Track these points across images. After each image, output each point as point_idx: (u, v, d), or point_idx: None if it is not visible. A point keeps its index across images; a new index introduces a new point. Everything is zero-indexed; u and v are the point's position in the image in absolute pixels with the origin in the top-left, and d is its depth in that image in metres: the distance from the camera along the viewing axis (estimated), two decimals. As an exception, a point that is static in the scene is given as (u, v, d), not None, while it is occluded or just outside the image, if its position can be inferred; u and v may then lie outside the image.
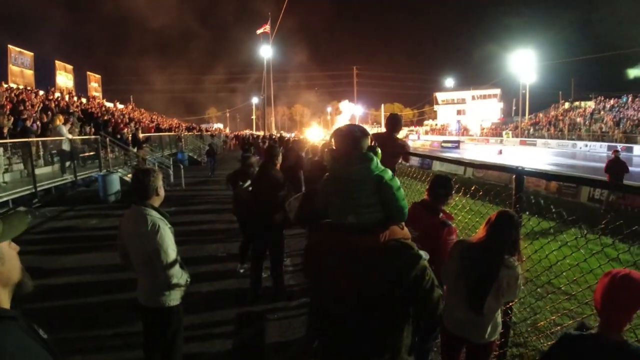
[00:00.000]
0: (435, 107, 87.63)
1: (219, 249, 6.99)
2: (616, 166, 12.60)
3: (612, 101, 54.93)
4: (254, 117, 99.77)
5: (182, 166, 16.53)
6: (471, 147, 51.01)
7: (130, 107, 42.98)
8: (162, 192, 2.97)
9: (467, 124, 75.20)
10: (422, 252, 1.81)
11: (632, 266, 2.17)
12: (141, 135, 20.03)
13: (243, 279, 5.58)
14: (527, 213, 3.30)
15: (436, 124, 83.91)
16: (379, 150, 1.93)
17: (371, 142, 1.96)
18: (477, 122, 73.62)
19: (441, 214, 3.19)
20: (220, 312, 4.74)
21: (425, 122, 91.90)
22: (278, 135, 30.79)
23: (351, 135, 1.87)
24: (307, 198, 4.18)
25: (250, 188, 5.44)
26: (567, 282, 3.61)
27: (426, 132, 77.53)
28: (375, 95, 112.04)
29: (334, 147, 1.92)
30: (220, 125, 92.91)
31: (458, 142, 52.24)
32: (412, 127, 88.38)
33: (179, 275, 2.87)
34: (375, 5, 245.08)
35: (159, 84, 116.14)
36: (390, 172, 1.84)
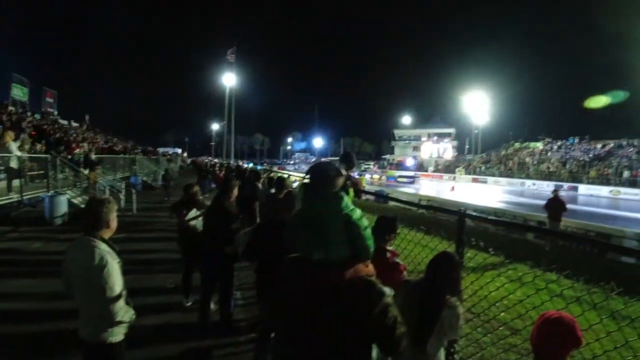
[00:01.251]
0: (393, 143, 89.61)
1: (167, 280, 6.78)
2: (555, 205, 13.39)
3: (559, 142, 58.05)
4: (213, 143, 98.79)
5: (134, 190, 16.08)
6: (426, 183, 52.44)
7: (86, 126, 41.75)
8: (114, 225, 2.91)
9: (422, 160, 77.20)
10: (387, 289, 1.85)
11: (574, 302, 2.33)
12: (94, 156, 19.42)
13: (190, 313, 5.42)
14: (474, 247, 3.44)
15: (393, 159, 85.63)
16: (351, 190, 2.03)
17: (344, 183, 2.04)
18: (432, 159, 75.72)
19: (388, 254, 3.25)
20: (165, 347, 4.59)
21: (383, 157, 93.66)
22: (236, 164, 30.48)
23: (326, 174, 1.94)
24: (257, 233, 4.21)
25: (196, 217, 5.40)
26: (512, 317, 3.78)
27: (384, 167, 78.93)
28: (336, 128, 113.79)
29: (309, 183, 1.98)
30: (179, 150, 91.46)
31: (413, 177, 53.59)
32: (370, 161, 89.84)
33: (124, 312, 2.79)
34: (339, 43, 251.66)
35: (117, 104, 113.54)
36: (359, 212, 1.91)
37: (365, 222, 1.90)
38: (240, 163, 38.66)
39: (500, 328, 4.33)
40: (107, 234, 2.86)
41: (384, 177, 56.19)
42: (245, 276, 6.71)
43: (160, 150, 62.76)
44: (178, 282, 6.52)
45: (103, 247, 2.74)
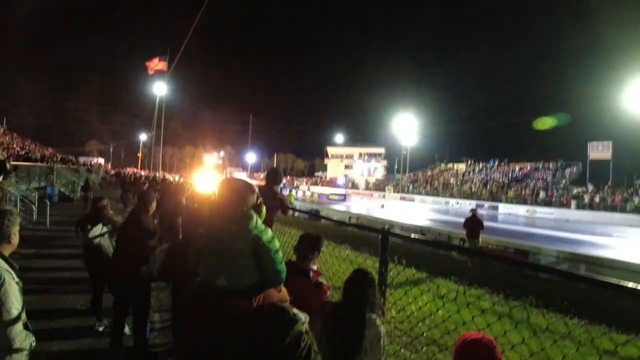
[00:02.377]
0: (326, 161, 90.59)
1: (78, 301, 6.19)
2: (472, 223, 14.14)
3: (481, 164, 61.58)
4: (140, 154, 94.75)
5: (48, 202, 14.87)
6: (357, 200, 53.41)
7: (2, 130, 38.63)
8: (15, 240, 2.57)
9: (354, 178, 78.60)
10: (302, 315, 1.66)
11: (505, 317, 2.33)
12: (8, 164, 17.82)
13: (103, 338, 4.96)
14: (400, 264, 3.35)
15: (326, 177, 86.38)
16: (264, 209, 1.85)
17: (257, 200, 1.87)
18: (363, 177, 77.29)
19: (311, 274, 3.03)
20: None
21: (316, 174, 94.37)
22: (161, 176, 29.20)
23: (236, 190, 1.77)
24: (173, 251, 3.93)
25: (102, 235, 5.01)
26: (440, 334, 3.78)
27: (316, 184, 79.50)
28: (269, 144, 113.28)
29: (216, 199, 1.81)
30: (102, 160, 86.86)
31: (345, 195, 54.41)
32: (303, 178, 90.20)
33: (22, 338, 2.45)
34: (272, 58, 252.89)
35: (37, 108, 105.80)
36: (269, 233, 1.77)
37: (276, 244, 1.77)
38: (168, 176, 36.95)
39: (428, 345, 4.32)
40: (6, 249, 2.53)
41: (315, 195, 56.51)
42: (165, 296, 6.27)
43: (82, 159, 59.15)
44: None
45: (1, 265, 2.42)
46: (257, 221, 1.74)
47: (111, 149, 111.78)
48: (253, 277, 1.68)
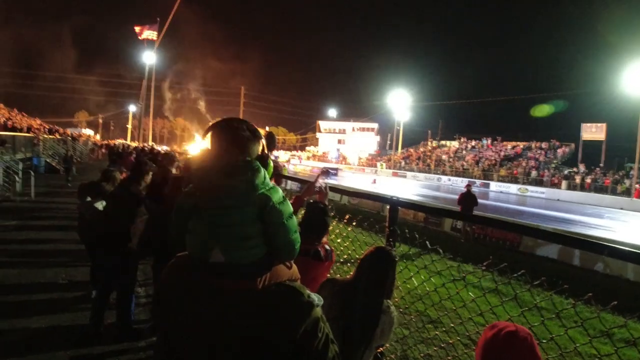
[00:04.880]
0: (318, 135, 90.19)
1: (60, 275, 5.91)
2: (468, 199, 13.91)
3: (473, 142, 61.58)
4: (129, 126, 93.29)
5: (32, 173, 14.39)
6: (349, 175, 53.26)
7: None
8: None
9: (346, 153, 78.37)
10: (315, 297, 1.35)
11: (485, 293, 2.09)
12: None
13: (82, 312, 4.67)
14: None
15: (317, 151, 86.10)
16: (272, 163, 1.48)
17: (264, 149, 1.50)
18: (355, 152, 77.08)
19: (321, 252, 2.55)
20: (50, 354, 3.84)
21: (308, 148, 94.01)
22: (150, 147, 28.51)
23: (234, 133, 1.38)
24: (153, 221, 3.63)
25: (101, 206, 4.67)
26: (428, 305, 3.58)
27: (308, 158, 79.20)
28: (261, 117, 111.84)
29: (208, 149, 1.41)
30: (91, 132, 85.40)
31: (337, 169, 54.15)
32: (295, 152, 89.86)
33: None
34: (266, 30, 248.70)
35: (23, 78, 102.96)
36: (281, 193, 1.38)
37: (289, 207, 1.38)
38: (155, 146, 36.04)
39: (429, 325, 4.12)
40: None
41: (307, 169, 56.25)
42: (150, 271, 6.03)
43: (70, 130, 58.02)
44: (73, 277, 5.80)
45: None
46: (266, 176, 1.35)
47: (100, 121, 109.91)
48: (259, 249, 1.28)
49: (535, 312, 4.27)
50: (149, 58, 47.37)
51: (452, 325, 3.51)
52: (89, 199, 4.97)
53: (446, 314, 3.23)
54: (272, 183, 1.39)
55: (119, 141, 64.56)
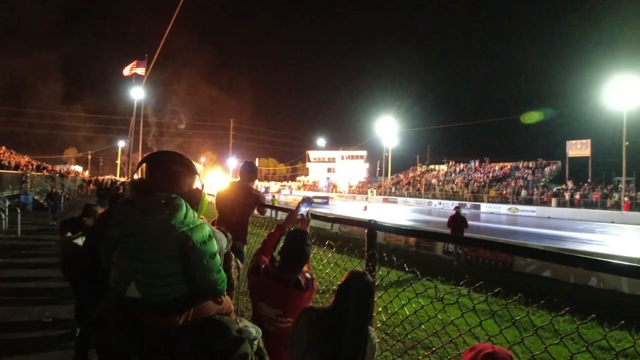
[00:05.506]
0: (308, 164, 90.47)
1: (44, 313, 5.76)
2: (457, 221, 13.91)
3: (461, 165, 62.07)
4: (118, 161, 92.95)
5: (19, 210, 14.17)
6: (339, 203, 53.23)
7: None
8: None
9: (336, 181, 78.57)
10: (252, 330, 1.34)
11: (490, 316, 2.05)
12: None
13: (67, 351, 4.52)
14: (386, 264, 3.01)
15: (308, 180, 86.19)
16: (206, 198, 1.43)
17: (195, 186, 1.42)
18: (345, 180, 77.30)
19: (302, 280, 2.42)
20: None
21: (298, 178, 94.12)
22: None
23: (166, 167, 1.33)
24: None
25: (81, 242, 4.57)
26: (426, 335, 3.50)
27: (298, 188, 79.26)
28: (251, 149, 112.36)
29: (137, 180, 1.37)
30: (80, 168, 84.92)
31: (327, 198, 54.21)
32: (285, 182, 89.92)
33: None
34: (251, 64, 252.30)
35: (10, 115, 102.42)
36: (205, 231, 1.33)
37: (213, 246, 1.34)
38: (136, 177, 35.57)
39: (414, 347, 4.02)
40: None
41: (298, 198, 56.19)
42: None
43: (59, 167, 57.69)
44: (57, 315, 5.66)
45: None
46: (189, 213, 1.30)
47: (89, 157, 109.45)
48: (178, 286, 1.24)
49: (531, 331, 4.20)
50: (137, 94, 47.51)
51: (445, 349, 3.43)
52: (69, 234, 4.87)
53: (437, 337, 3.15)
54: (199, 221, 1.34)
55: (107, 177, 64.26)
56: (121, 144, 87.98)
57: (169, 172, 1.33)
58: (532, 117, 71.45)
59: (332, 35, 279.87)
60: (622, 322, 2.03)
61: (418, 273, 2.44)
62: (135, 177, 1.49)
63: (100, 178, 56.97)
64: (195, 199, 1.35)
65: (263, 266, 2.51)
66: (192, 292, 1.26)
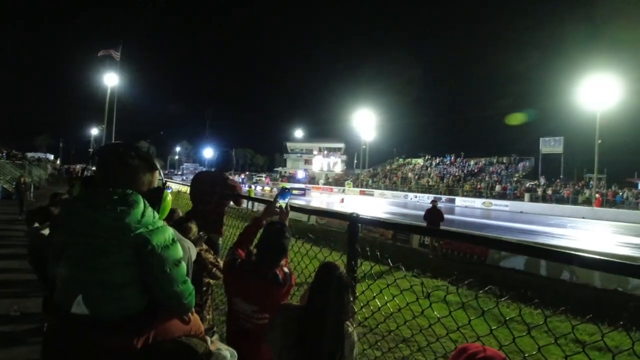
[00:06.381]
0: (285, 156, 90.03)
1: (12, 307, 5.55)
2: (433, 214, 14.04)
3: (437, 159, 62.77)
4: (91, 149, 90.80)
5: (-16, 199, 13.71)
6: (317, 195, 53.28)
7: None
8: None
9: (313, 173, 78.46)
10: (226, 353, 1.20)
11: (460, 307, 2.00)
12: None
13: (36, 346, 4.36)
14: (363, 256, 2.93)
15: (285, 172, 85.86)
16: (169, 197, 1.23)
17: (156, 184, 1.24)
18: (322, 172, 77.27)
19: (279, 275, 2.32)
20: None
21: (275, 169, 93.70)
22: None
23: (119, 161, 1.15)
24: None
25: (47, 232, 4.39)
26: (397, 325, 3.47)
27: (275, 179, 78.87)
28: (228, 139, 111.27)
29: (88, 176, 1.22)
30: (50, 156, 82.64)
31: (304, 189, 54.08)
32: (262, 174, 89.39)
33: None
34: (232, 54, 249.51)
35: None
36: (169, 234, 1.14)
37: (176, 251, 1.14)
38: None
39: (401, 345, 3.98)
40: None
41: (275, 189, 55.97)
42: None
43: (30, 155, 55.99)
44: (26, 308, 5.47)
45: None
46: (148, 212, 1.11)
47: (61, 144, 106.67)
48: (135, 300, 1.05)
49: (507, 325, 4.19)
50: (111, 79, 46.40)
51: (426, 342, 3.39)
52: (37, 224, 4.67)
53: (420, 331, 3.12)
54: (160, 222, 1.16)
55: (78, 166, 62.71)
56: (94, 132, 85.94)
57: (125, 168, 1.14)
58: (515, 118, 73.17)
59: (312, 28, 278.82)
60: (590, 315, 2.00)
61: (403, 268, 2.37)
62: (86, 173, 1.32)
63: (73, 167, 55.55)
64: (155, 198, 1.17)
65: (239, 260, 2.42)
66: (153, 308, 1.08)
